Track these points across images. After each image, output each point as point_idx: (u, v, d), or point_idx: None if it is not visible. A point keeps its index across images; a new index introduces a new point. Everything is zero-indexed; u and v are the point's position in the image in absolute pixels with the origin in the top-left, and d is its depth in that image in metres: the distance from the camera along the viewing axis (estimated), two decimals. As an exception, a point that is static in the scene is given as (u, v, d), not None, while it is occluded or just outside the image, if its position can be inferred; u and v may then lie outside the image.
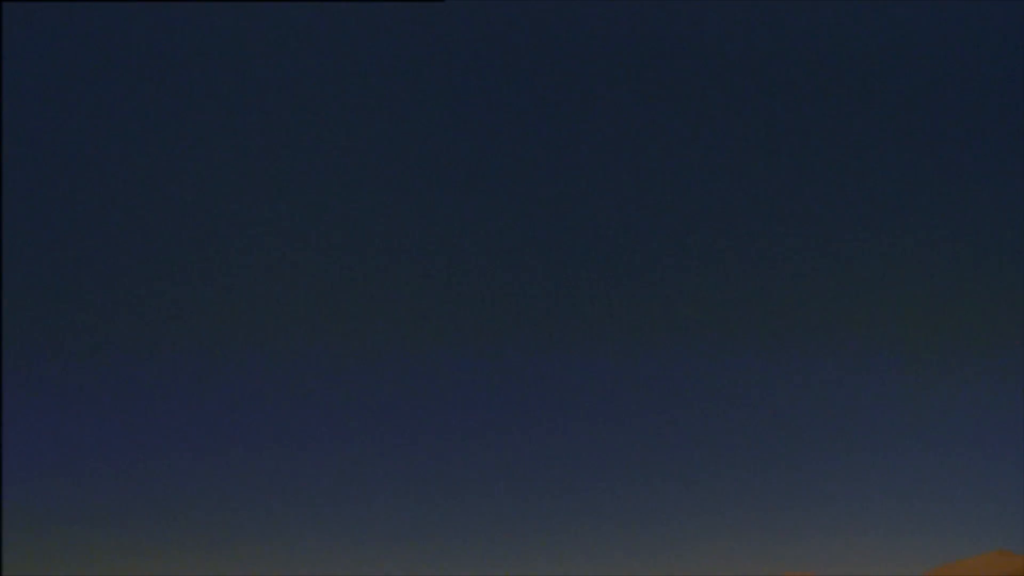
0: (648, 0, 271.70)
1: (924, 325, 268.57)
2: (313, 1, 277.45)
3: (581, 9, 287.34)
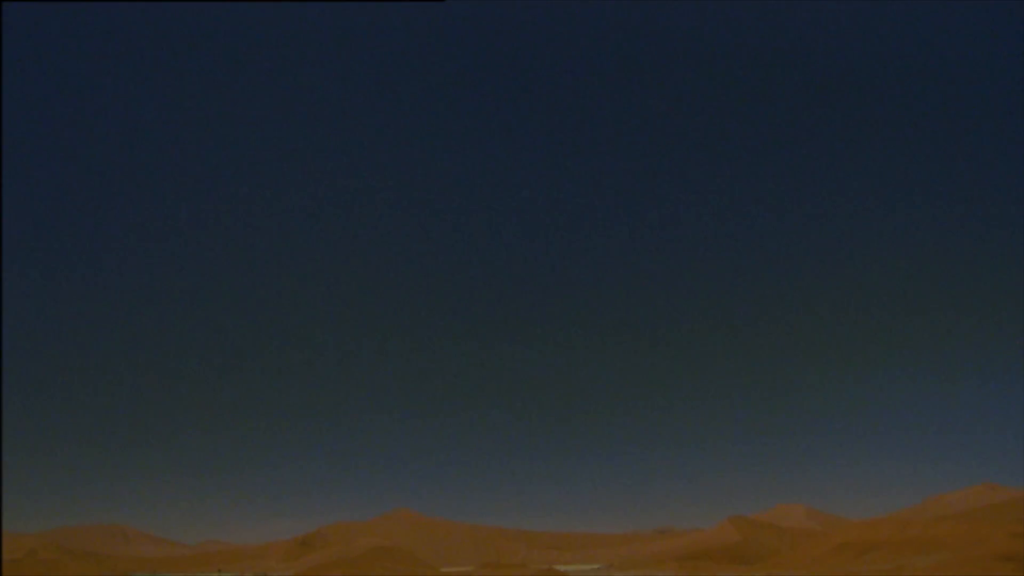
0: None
1: (918, 274, 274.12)
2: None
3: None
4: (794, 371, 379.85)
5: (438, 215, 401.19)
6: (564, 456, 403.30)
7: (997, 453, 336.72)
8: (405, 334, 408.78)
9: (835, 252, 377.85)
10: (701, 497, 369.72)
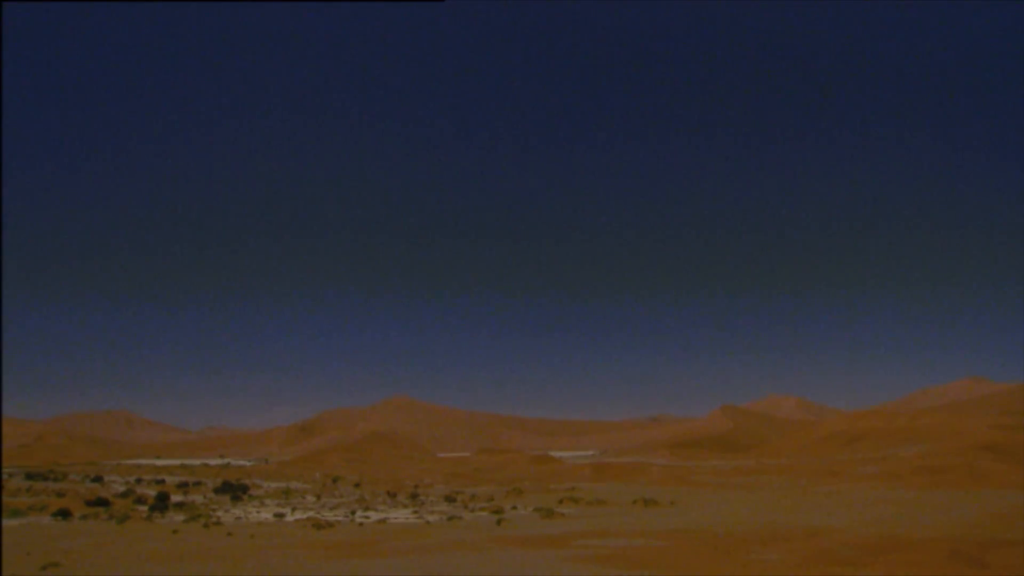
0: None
1: (910, 168, 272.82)
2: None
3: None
4: (789, 265, 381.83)
5: (439, 121, 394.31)
6: (561, 345, 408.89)
7: (984, 347, 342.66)
8: (404, 224, 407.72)
9: (828, 150, 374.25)
10: (695, 387, 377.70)
